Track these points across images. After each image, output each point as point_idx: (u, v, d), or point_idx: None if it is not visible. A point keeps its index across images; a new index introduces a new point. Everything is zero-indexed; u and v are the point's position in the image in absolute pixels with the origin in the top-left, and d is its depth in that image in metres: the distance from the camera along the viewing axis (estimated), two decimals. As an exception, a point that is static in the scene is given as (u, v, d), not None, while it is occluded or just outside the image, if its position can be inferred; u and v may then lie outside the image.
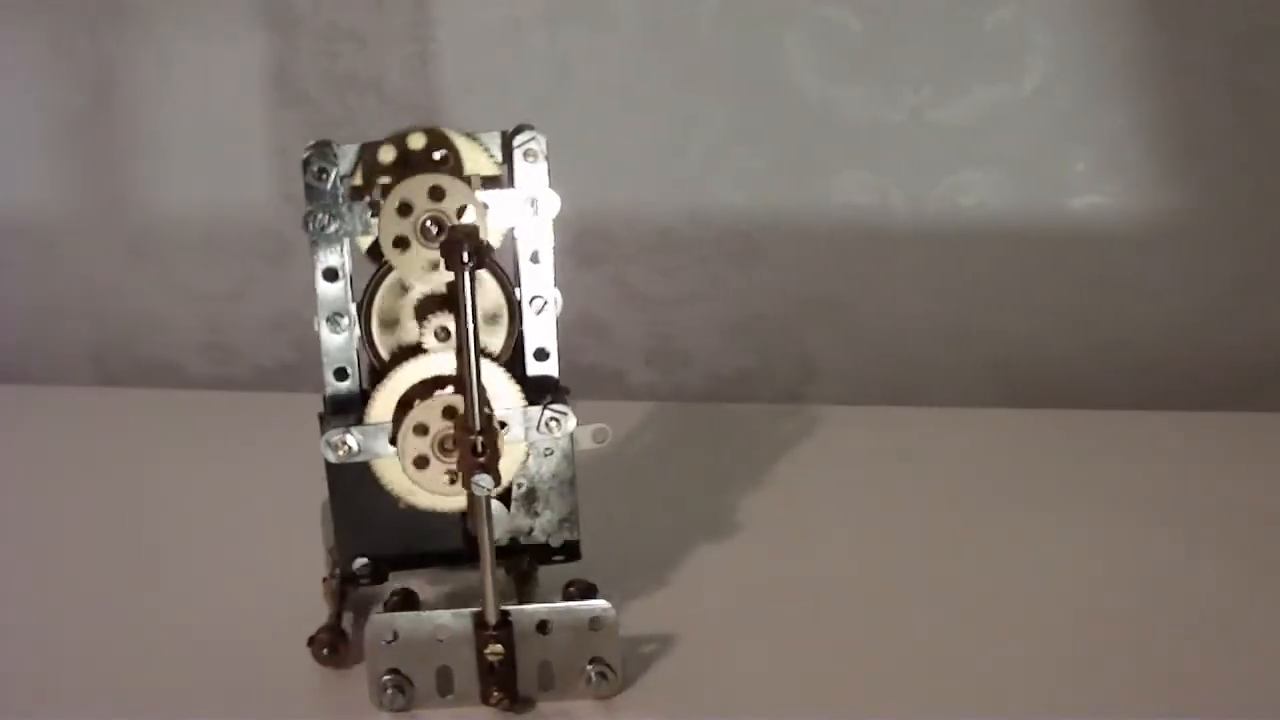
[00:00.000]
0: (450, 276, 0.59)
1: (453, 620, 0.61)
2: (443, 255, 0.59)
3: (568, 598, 0.67)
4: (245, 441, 0.96)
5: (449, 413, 0.62)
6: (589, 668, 0.62)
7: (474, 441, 0.59)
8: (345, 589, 0.68)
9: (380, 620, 0.61)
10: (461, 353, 0.58)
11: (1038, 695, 0.63)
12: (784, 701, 0.63)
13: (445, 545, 0.67)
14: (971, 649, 0.67)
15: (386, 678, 0.61)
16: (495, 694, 0.61)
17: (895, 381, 1.08)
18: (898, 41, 1.02)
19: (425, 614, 0.62)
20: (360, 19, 1.09)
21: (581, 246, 1.10)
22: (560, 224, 1.08)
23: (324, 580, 0.69)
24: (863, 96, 1.03)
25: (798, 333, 1.09)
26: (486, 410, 0.60)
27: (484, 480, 0.59)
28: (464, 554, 0.67)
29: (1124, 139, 1.01)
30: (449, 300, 0.64)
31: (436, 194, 0.61)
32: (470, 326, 0.58)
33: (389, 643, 0.61)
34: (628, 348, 1.12)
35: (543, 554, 0.69)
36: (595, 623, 0.62)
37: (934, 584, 0.73)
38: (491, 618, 0.61)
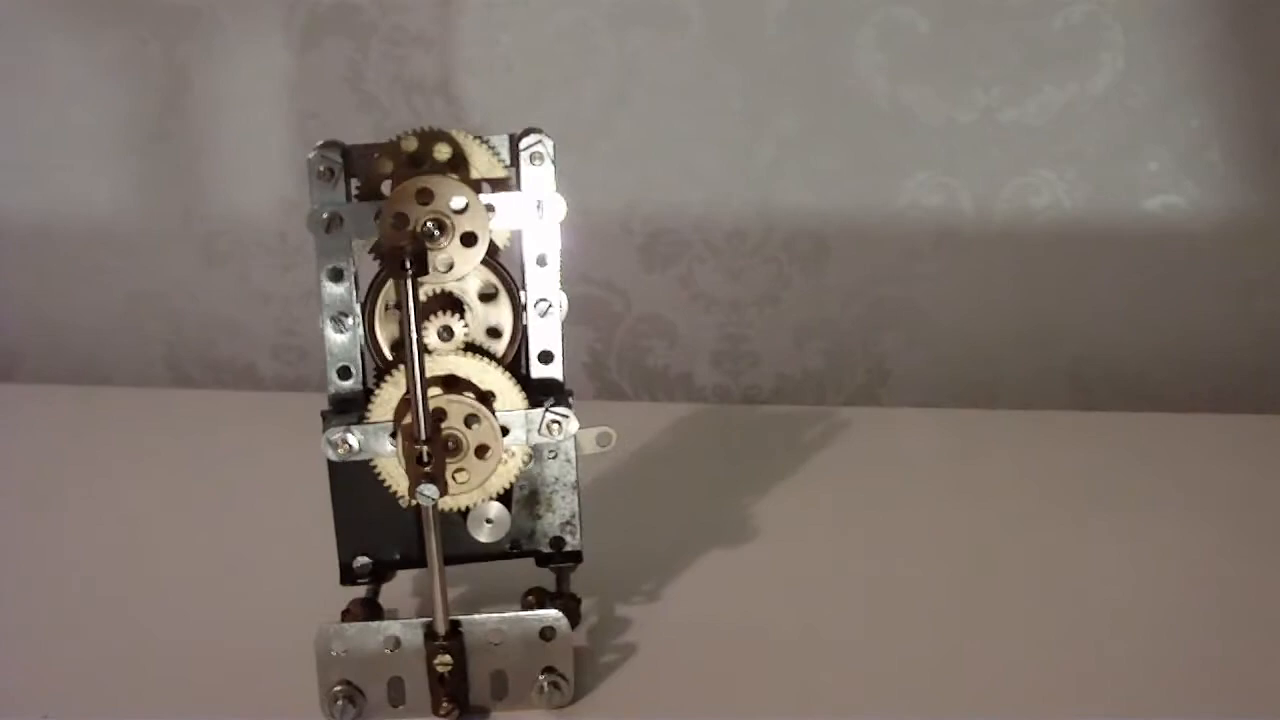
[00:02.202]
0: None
1: (403, 630, 0.61)
2: (383, 263, 0.60)
3: (526, 606, 0.67)
4: (317, 443, 0.97)
5: (440, 414, 0.62)
6: (541, 678, 0.62)
7: (419, 451, 0.59)
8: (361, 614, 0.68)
9: (329, 630, 0.61)
10: (408, 364, 0.58)
11: (1118, 701, 0.62)
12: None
13: (447, 544, 0.67)
14: (1040, 656, 0.66)
15: (337, 689, 0.61)
16: (445, 705, 0.61)
17: (967, 384, 1.07)
18: (967, 41, 1.01)
19: (375, 624, 0.61)
20: (428, 23, 1.09)
21: (650, 248, 1.10)
22: (630, 226, 1.09)
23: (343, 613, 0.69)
24: (932, 97, 1.02)
25: (868, 335, 1.09)
26: (439, 418, 0.60)
27: (429, 490, 0.59)
28: (466, 553, 0.67)
29: (1199, 138, 1.00)
30: (450, 300, 0.64)
31: (425, 196, 0.60)
32: (414, 335, 0.58)
33: (338, 654, 0.61)
34: (696, 349, 1.12)
35: (544, 557, 0.69)
36: (547, 632, 0.62)
37: (1002, 590, 0.73)
38: (441, 628, 0.61)
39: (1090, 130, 1.00)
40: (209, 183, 1.15)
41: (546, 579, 0.69)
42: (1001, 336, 1.06)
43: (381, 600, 0.68)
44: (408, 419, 0.59)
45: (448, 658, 0.61)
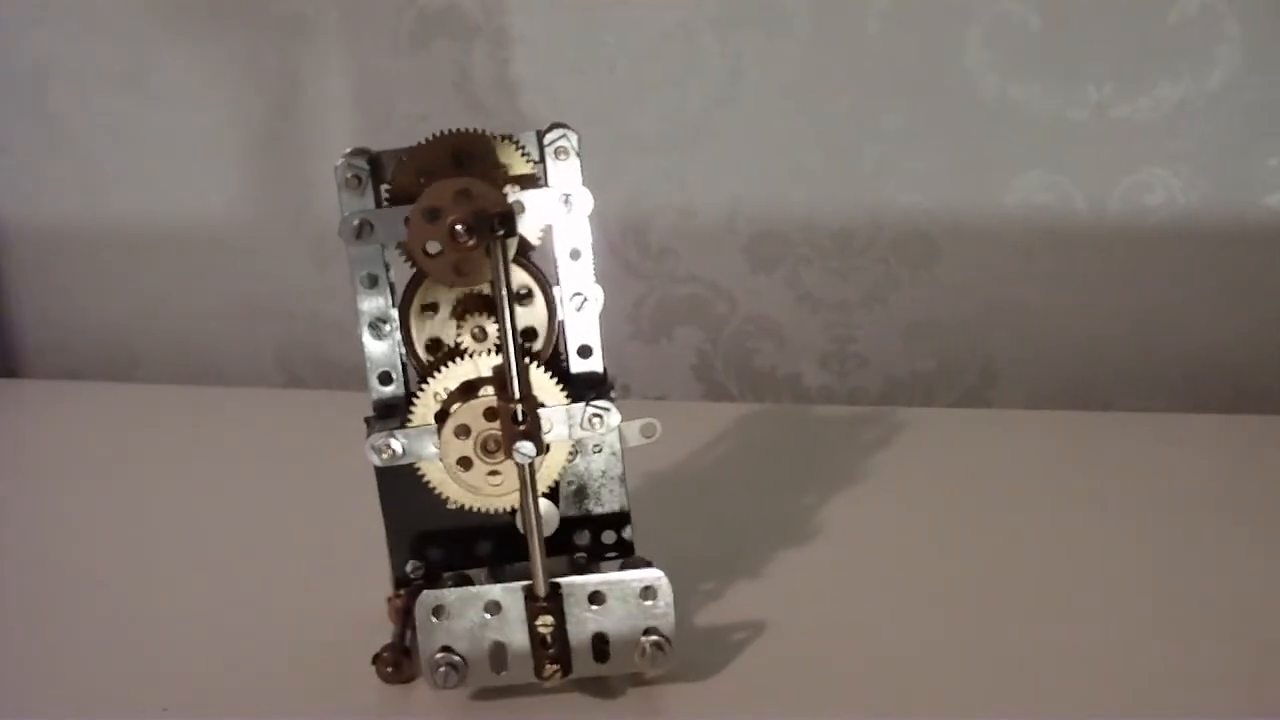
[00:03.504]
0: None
1: (503, 595, 0.61)
2: (474, 234, 0.59)
3: (575, 569, 0.66)
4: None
5: (490, 414, 0.62)
6: (643, 639, 0.61)
7: (514, 410, 0.59)
8: (409, 608, 0.68)
9: (431, 596, 0.61)
10: (501, 325, 0.58)
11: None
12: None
13: (496, 545, 0.67)
14: (1151, 666, 0.65)
15: (439, 655, 0.61)
16: (549, 666, 0.60)
17: (1079, 386, 1.05)
18: (1078, 37, 0.99)
19: (476, 589, 0.61)
20: (531, 24, 1.10)
21: (756, 248, 1.10)
22: (735, 226, 1.09)
23: (388, 599, 0.69)
24: (1042, 94, 1.01)
25: (977, 335, 1.07)
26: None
27: (525, 447, 0.58)
28: (515, 553, 0.67)
29: (1320, 133, 0.97)
30: (485, 301, 0.64)
31: (462, 197, 0.60)
32: (505, 295, 0.58)
33: (440, 620, 0.60)
34: (803, 350, 1.11)
35: (595, 551, 0.69)
36: (648, 592, 0.61)
37: (1110, 597, 0.71)
38: (541, 590, 0.60)
39: (1206, 126, 0.98)
40: (318, 185, 1.17)
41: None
42: (1114, 337, 1.04)
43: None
44: (471, 407, 0.58)
45: (549, 618, 0.60)
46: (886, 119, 1.05)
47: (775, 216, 1.09)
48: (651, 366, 1.15)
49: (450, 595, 0.61)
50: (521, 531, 0.63)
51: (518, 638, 0.61)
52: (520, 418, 0.59)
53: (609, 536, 0.69)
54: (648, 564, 0.66)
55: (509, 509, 0.65)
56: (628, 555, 0.69)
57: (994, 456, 0.92)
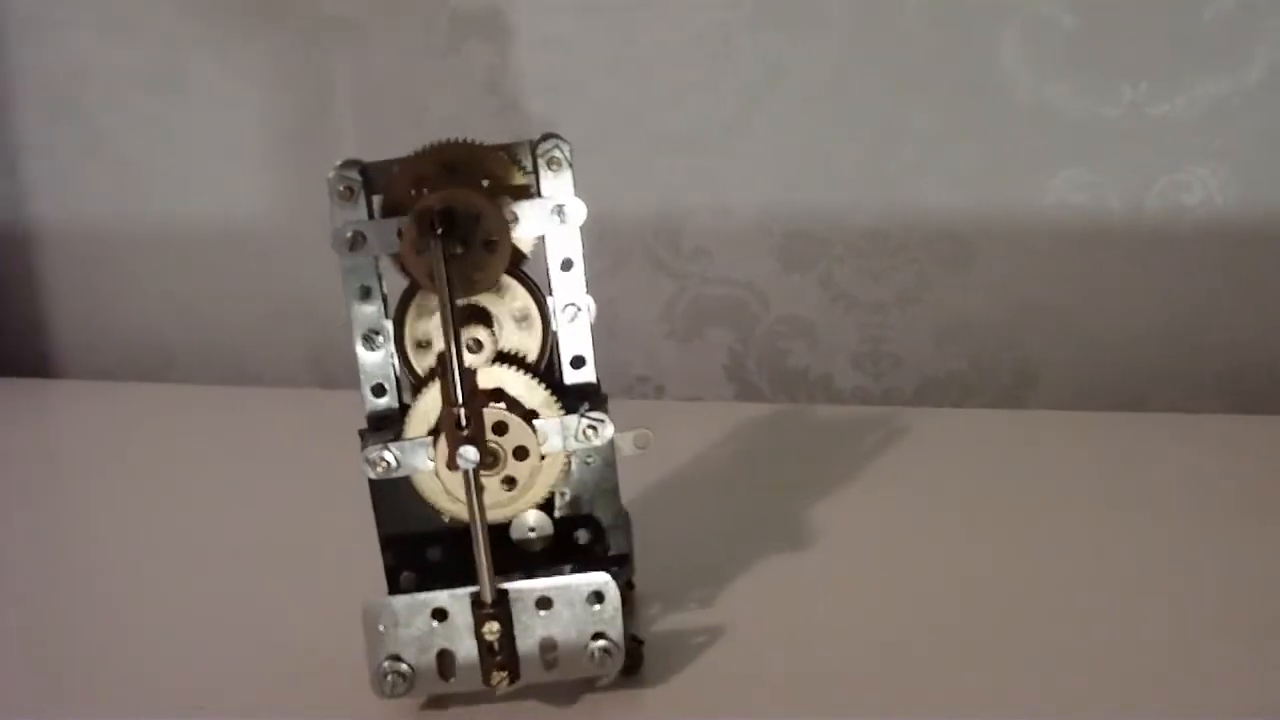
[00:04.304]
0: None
1: (450, 601, 0.60)
2: (416, 228, 0.59)
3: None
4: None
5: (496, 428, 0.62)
6: (592, 644, 0.61)
7: (457, 414, 0.58)
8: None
9: (376, 606, 0.61)
10: (444, 325, 0.58)
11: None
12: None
13: (496, 560, 0.67)
14: (1179, 676, 0.64)
15: (386, 664, 0.60)
16: (496, 673, 0.60)
17: (1116, 387, 1.05)
18: (1113, 35, 0.99)
19: (422, 596, 0.61)
20: (566, 25, 1.10)
21: (790, 249, 1.10)
22: (768, 226, 1.09)
23: None
24: (1077, 92, 1.00)
25: (1012, 336, 1.07)
26: (471, 385, 0.60)
27: (468, 452, 0.58)
28: (511, 564, 0.67)
29: (1360, 131, 0.96)
30: (479, 312, 0.64)
31: (445, 209, 0.60)
32: (446, 294, 0.58)
33: (386, 629, 0.60)
34: (836, 351, 1.11)
35: (590, 561, 0.68)
36: (595, 596, 0.61)
37: (1143, 601, 0.71)
38: (487, 596, 0.60)
39: (1244, 124, 0.98)
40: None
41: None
42: (1150, 337, 1.04)
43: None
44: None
45: (495, 625, 0.60)
46: (920, 119, 1.04)
47: (809, 216, 1.09)
48: (684, 367, 1.14)
49: (397, 603, 0.61)
50: (515, 543, 0.64)
51: (465, 645, 0.61)
52: (464, 423, 0.59)
53: (602, 548, 0.68)
54: (598, 561, 0.66)
55: (504, 521, 0.65)
56: (622, 566, 0.68)
57: (1028, 458, 0.91)
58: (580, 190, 0.64)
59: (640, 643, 0.66)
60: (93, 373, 1.32)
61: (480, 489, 0.60)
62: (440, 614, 0.61)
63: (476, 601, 0.61)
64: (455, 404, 0.59)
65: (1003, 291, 1.06)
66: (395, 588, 0.67)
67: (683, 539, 0.81)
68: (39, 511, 0.94)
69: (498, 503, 0.63)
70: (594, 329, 0.66)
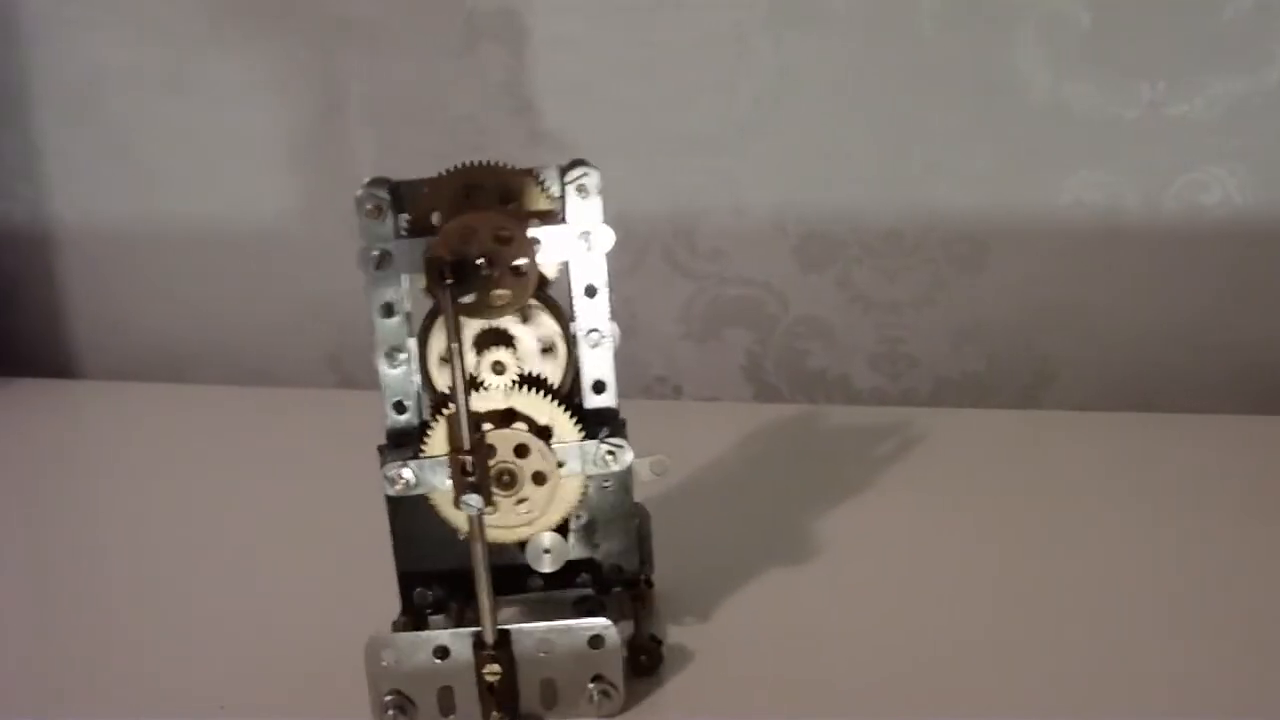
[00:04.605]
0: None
1: (452, 640, 0.61)
2: (426, 274, 0.60)
3: (577, 614, 0.66)
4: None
5: (490, 452, 0.62)
6: (591, 686, 0.62)
7: (463, 461, 0.59)
8: None
9: (379, 641, 0.62)
10: (452, 372, 0.59)
11: None
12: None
13: (508, 581, 0.67)
14: (1194, 679, 0.64)
15: (388, 698, 0.61)
16: (495, 714, 0.61)
17: (1135, 387, 1.05)
18: (1130, 34, 0.98)
19: (425, 634, 0.62)
20: (581, 26, 1.10)
21: (807, 249, 1.09)
22: (784, 227, 1.09)
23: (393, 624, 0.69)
24: (1094, 92, 1.00)
25: (1029, 336, 1.07)
26: (480, 430, 0.61)
27: (472, 499, 0.59)
28: (525, 583, 0.68)
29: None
30: (503, 335, 0.64)
31: (470, 233, 0.61)
32: (457, 347, 0.58)
33: (388, 664, 0.61)
34: (854, 351, 1.11)
35: (604, 586, 0.69)
36: (596, 640, 0.62)
37: (1160, 603, 0.71)
38: (489, 638, 0.61)
39: (1263, 124, 0.97)
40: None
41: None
42: (1169, 338, 1.03)
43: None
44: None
45: (496, 667, 0.61)
46: (937, 119, 1.04)
47: (825, 217, 1.09)
48: (702, 367, 1.14)
49: (400, 638, 0.62)
50: (529, 564, 0.65)
51: (466, 683, 0.62)
52: (469, 469, 0.59)
53: (616, 572, 0.69)
54: (601, 605, 0.67)
55: (521, 541, 0.65)
56: (635, 588, 0.69)
57: (1045, 458, 0.92)
58: (605, 214, 0.64)
59: (659, 642, 0.66)
60: (111, 373, 1.33)
61: (485, 535, 0.61)
62: (442, 652, 0.62)
63: (479, 642, 0.61)
64: (462, 450, 0.59)
65: (1019, 292, 1.06)
66: (409, 603, 0.68)
67: (700, 540, 0.81)
68: (58, 511, 0.95)
69: (513, 524, 0.64)
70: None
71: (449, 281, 0.59)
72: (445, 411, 0.63)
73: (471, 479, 0.59)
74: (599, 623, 0.62)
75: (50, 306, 1.34)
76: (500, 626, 0.61)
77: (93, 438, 1.13)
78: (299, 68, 1.19)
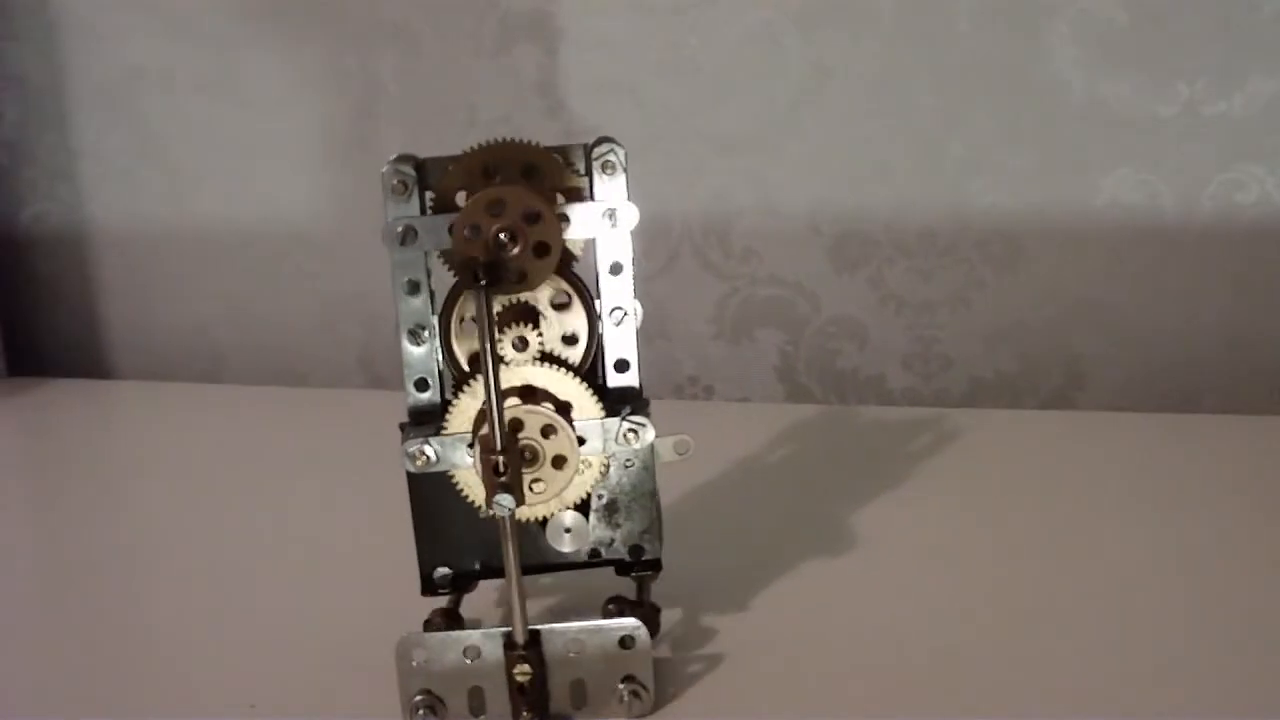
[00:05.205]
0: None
1: (482, 640, 0.61)
2: (458, 276, 0.60)
3: (606, 615, 0.66)
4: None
5: (517, 425, 0.62)
6: (621, 686, 0.62)
7: (495, 461, 0.59)
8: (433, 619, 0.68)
9: (410, 640, 0.62)
10: (484, 374, 0.58)
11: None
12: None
13: (527, 554, 0.67)
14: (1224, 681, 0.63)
15: (419, 698, 0.61)
16: (525, 714, 0.61)
17: (1168, 388, 1.04)
18: (1168, 32, 0.98)
19: (455, 634, 0.62)
20: (616, 26, 1.10)
21: (840, 249, 1.09)
22: (818, 227, 1.09)
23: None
24: (1131, 91, 0.99)
25: (1064, 337, 1.06)
26: (515, 430, 0.61)
27: (505, 500, 0.59)
28: (545, 563, 0.68)
29: None
30: (527, 310, 0.64)
31: (497, 207, 0.60)
32: (489, 346, 0.58)
33: (419, 664, 0.61)
34: (887, 352, 1.11)
35: (624, 566, 0.69)
36: (626, 641, 0.61)
37: (1199, 603, 0.70)
38: (520, 638, 0.61)
39: (1301, 123, 0.97)
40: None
41: (629, 587, 0.69)
42: (1205, 338, 1.03)
43: (467, 609, 0.69)
44: (485, 430, 0.59)
45: (527, 667, 0.61)
46: (971, 118, 1.04)
47: (858, 217, 1.08)
48: (734, 367, 1.14)
49: (430, 638, 0.62)
50: (549, 542, 0.65)
51: (496, 683, 0.62)
52: (501, 469, 0.59)
53: (636, 552, 0.69)
54: (633, 604, 0.67)
55: (539, 519, 0.65)
56: (656, 571, 0.69)
57: (1080, 459, 0.91)
58: (629, 191, 0.64)
59: (658, 610, 0.67)
60: (146, 373, 1.33)
61: (516, 535, 0.60)
62: (473, 652, 0.61)
63: (509, 642, 0.61)
64: (494, 451, 0.59)
65: (1054, 292, 1.05)
66: (430, 585, 0.68)
67: (732, 540, 0.81)
68: (92, 510, 0.95)
69: (534, 501, 0.63)
70: (643, 330, 0.66)
71: (483, 282, 0.59)
72: (467, 388, 0.63)
73: (504, 479, 0.59)
74: (629, 623, 0.62)
75: (86, 307, 1.35)
76: (531, 627, 0.61)
77: (127, 437, 1.14)
78: (333, 69, 1.19)
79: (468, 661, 0.61)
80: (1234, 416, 0.97)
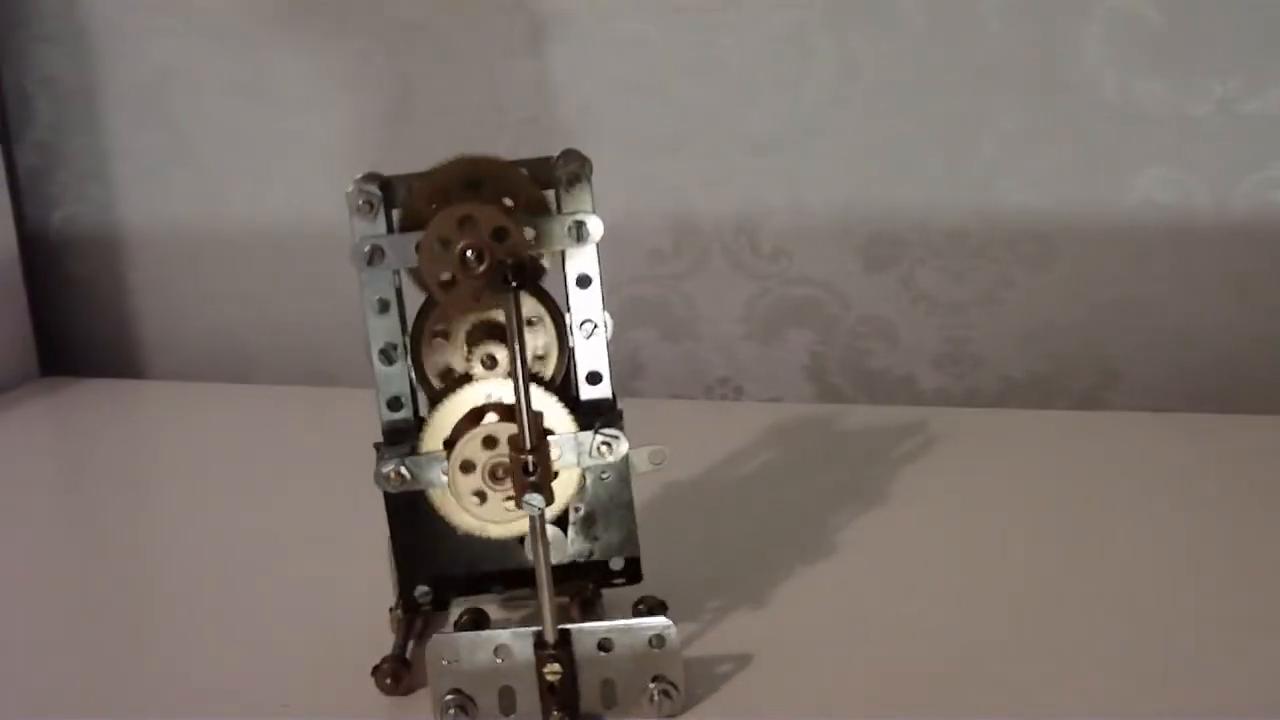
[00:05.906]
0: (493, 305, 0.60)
1: (512, 640, 0.61)
2: (487, 283, 0.60)
3: (637, 614, 0.66)
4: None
5: (489, 442, 0.62)
6: (651, 686, 0.61)
7: (525, 461, 0.59)
8: (411, 618, 0.69)
9: (441, 640, 0.62)
10: (514, 374, 0.58)
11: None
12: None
13: (507, 568, 0.67)
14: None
15: (449, 698, 0.61)
16: (555, 713, 0.61)
17: (1201, 388, 1.03)
18: (1201, 30, 0.97)
19: (485, 634, 0.62)
20: (644, 27, 1.10)
21: (870, 249, 1.09)
22: (849, 227, 1.08)
23: (390, 610, 0.70)
24: (1164, 90, 0.99)
25: (1096, 336, 1.05)
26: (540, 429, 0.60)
27: (535, 499, 0.59)
28: (525, 576, 0.67)
29: None
30: (496, 328, 0.64)
31: (463, 223, 0.60)
32: (518, 348, 0.58)
33: (450, 663, 0.61)
34: (917, 351, 1.10)
35: (604, 576, 0.69)
36: (656, 640, 0.61)
37: (1234, 604, 0.70)
38: (550, 637, 0.61)
39: (1337, 121, 0.96)
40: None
41: (654, 588, 0.69)
42: (1238, 338, 1.02)
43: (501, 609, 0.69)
44: (470, 440, 0.59)
45: (557, 666, 0.61)
46: (1002, 117, 1.03)
47: (889, 216, 1.08)
48: (764, 368, 1.14)
49: (460, 638, 0.62)
50: (531, 560, 0.64)
51: (526, 682, 0.62)
52: (531, 469, 0.59)
53: (617, 564, 0.68)
54: (662, 605, 0.67)
55: (520, 537, 0.65)
56: (635, 582, 0.69)
57: (1113, 460, 0.90)
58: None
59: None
60: (177, 374, 1.34)
61: (545, 535, 0.61)
62: (504, 651, 0.62)
63: (539, 642, 0.61)
64: (524, 450, 0.59)
65: (1086, 291, 1.05)
66: (410, 602, 0.68)
67: (762, 540, 0.80)
68: (125, 509, 0.96)
69: (508, 518, 0.63)
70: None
71: (514, 284, 0.59)
72: (439, 408, 0.63)
73: (533, 479, 0.59)
74: (659, 622, 0.62)
75: (117, 308, 1.35)
76: (561, 626, 0.61)
77: (158, 437, 1.15)
78: (363, 71, 1.19)
79: (498, 661, 0.62)
80: (1270, 417, 0.96)
